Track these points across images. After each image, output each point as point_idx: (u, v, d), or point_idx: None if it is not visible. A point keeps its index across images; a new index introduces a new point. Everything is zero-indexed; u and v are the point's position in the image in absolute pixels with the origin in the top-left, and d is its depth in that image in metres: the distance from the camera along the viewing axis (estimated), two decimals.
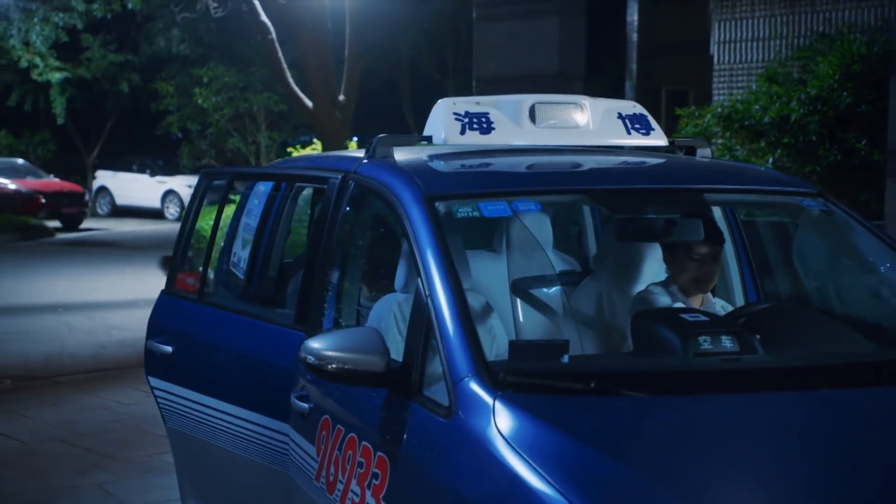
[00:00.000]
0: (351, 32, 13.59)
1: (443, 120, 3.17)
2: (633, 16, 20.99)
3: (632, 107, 3.44)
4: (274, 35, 13.40)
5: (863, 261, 3.24)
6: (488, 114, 3.22)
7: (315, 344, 2.61)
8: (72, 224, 22.67)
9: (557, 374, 2.43)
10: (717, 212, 3.71)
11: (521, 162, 3.20)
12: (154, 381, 4.00)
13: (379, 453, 2.60)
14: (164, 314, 4.03)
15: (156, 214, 25.00)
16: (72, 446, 5.97)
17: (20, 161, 24.69)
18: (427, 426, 2.45)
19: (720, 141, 11.05)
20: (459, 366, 2.39)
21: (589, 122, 3.31)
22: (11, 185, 22.45)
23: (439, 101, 3.31)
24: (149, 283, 11.30)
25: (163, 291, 4.16)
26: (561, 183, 3.06)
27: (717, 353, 2.65)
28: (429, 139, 3.21)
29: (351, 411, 2.82)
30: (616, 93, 22.63)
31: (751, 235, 3.80)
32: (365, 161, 3.21)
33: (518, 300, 3.60)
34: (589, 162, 3.26)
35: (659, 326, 2.73)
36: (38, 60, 25.16)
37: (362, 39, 21.57)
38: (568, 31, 11.24)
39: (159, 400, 3.98)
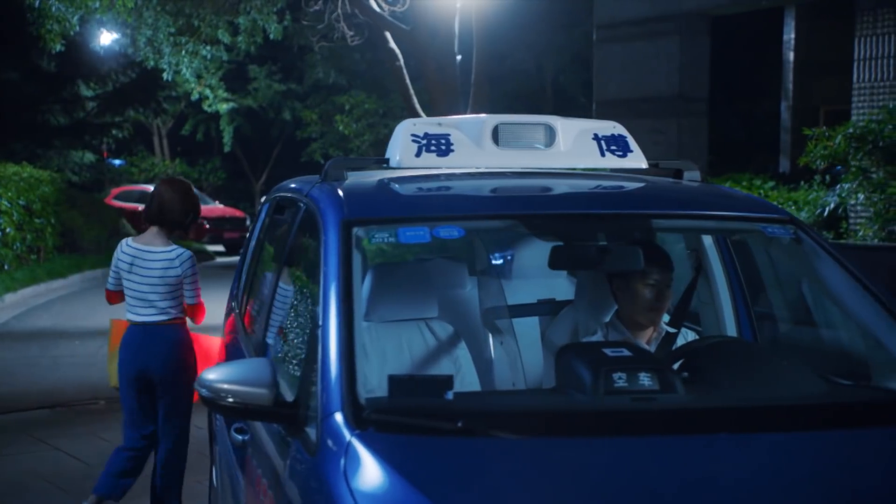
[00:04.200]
0: (477, 58, 13.63)
1: (400, 142, 3.08)
2: (789, 34, 20.24)
3: (611, 128, 3.24)
4: (402, 62, 13.61)
5: (828, 292, 2.93)
6: (449, 135, 3.09)
7: (210, 375, 2.46)
8: (233, 248, 23.74)
9: (426, 413, 2.28)
10: (707, 240, 3.46)
11: (462, 186, 3.06)
12: None
13: (270, 492, 2.53)
14: None
15: None
16: None
17: None
18: (300, 464, 2.35)
19: (854, 163, 10.38)
20: (330, 400, 2.28)
21: (559, 144, 3.14)
22: None
23: (402, 121, 3.23)
24: None
25: None
26: (488, 208, 2.90)
27: (632, 392, 2.44)
28: (387, 162, 3.13)
29: (258, 445, 2.77)
30: (761, 112, 21.69)
31: (745, 262, 3.50)
32: (317, 184, 3.17)
33: (489, 330, 3.45)
34: (538, 185, 3.08)
35: (576, 361, 2.54)
36: (208, 92, 26.65)
37: (505, 65, 21.69)
38: (689, 52, 10.86)
39: None
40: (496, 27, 18.24)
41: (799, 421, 2.39)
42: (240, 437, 2.96)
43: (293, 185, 3.58)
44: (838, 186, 11.42)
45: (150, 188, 25.51)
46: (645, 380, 2.46)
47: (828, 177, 12.11)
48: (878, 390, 2.69)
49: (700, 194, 3.08)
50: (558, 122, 3.16)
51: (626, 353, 2.58)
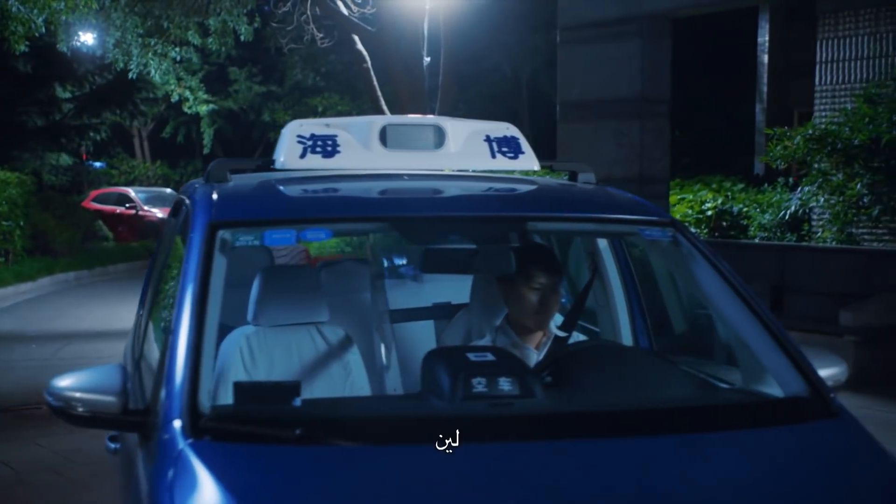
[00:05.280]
0: (445, 60, 13.61)
1: (286, 143, 3.06)
2: (763, 37, 20.29)
3: (504, 129, 3.22)
4: (369, 63, 13.59)
5: (702, 295, 2.92)
6: (335, 136, 3.07)
7: (60, 383, 2.37)
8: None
9: (268, 421, 2.25)
10: (602, 242, 3.44)
11: (340, 188, 3.04)
12: None
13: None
14: None
15: None
16: (59, 476, 5.76)
17: (168, 191, 26.05)
18: (142, 475, 2.33)
19: (815, 165, 10.40)
20: (170, 407, 2.23)
21: (449, 145, 3.12)
22: (158, 214, 23.69)
23: (289, 122, 3.20)
24: None
25: None
26: (358, 211, 2.88)
27: (491, 397, 2.43)
28: (271, 163, 3.11)
29: (124, 454, 2.74)
30: (741, 115, 21.75)
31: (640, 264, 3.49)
32: (199, 185, 3.14)
33: (383, 335, 3.42)
34: (417, 188, 3.06)
35: (437, 366, 2.52)
36: (188, 94, 26.62)
37: (480, 67, 21.66)
38: (651, 54, 10.85)
39: None
40: (469, 29, 18.22)
41: (657, 425, 2.38)
42: (112, 446, 2.93)
43: (187, 187, 3.56)
44: (799, 189, 11.44)
45: (130, 191, 25.42)
46: (505, 385, 2.44)
47: (791, 179, 12.14)
48: (743, 393, 2.68)
49: (583, 196, 3.06)
50: (448, 124, 3.14)
51: (489, 357, 2.56)
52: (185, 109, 27.37)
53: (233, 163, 3.16)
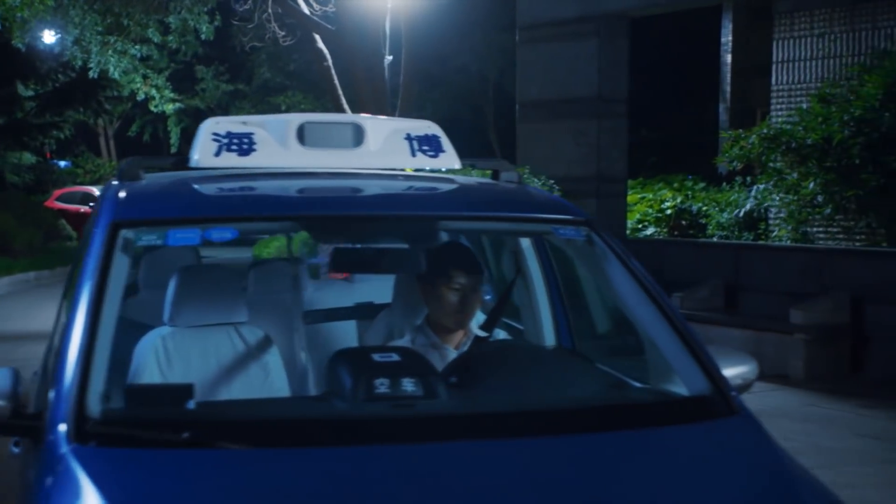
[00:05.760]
0: (406, 59, 13.59)
1: (201, 141, 3.02)
2: (726, 37, 20.42)
3: (425, 127, 3.20)
4: (330, 62, 13.55)
5: (614, 294, 2.92)
6: (252, 134, 3.03)
7: None
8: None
9: (156, 424, 2.21)
10: (524, 242, 3.44)
11: (251, 186, 3.01)
12: None
13: None
14: None
15: None
16: None
17: None
18: (28, 482, 2.28)
19: (771, 165, 10.48)
20: (57, 411, 2.19)
21: (368, 143, 3.10)
22: None
23: (206, 119, 3.17)
24: None
25: None
26: (264, 210, 2.85)
27: (393, 398, 2.41)
28: (186, 161, 3.07)
29: (20, 460, 2.70)
30: (709, 114, 21.90)
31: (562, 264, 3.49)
32: (113, 183, 3.10)
33: (303, 335, 3.40)
34: (329, 186, 3.04)
35: (341, 367, 2.51)
36: (154, 92, 26.42)
37: (447, 66, 21.66)
38: (609, 54, 10.88)
39: None
40: (434, 28, 18.20)
41: (559, 425, 2.37)
42: (15, 451, 2.89)
43: (105, 185, 3.52)
44: (754, 188, 11.52)
45: (95, 190, 25.24)
46: (408, 386, 2.42)
47: (748, 178, 12.23)
48: (652, 392, 2.68)
49: (500, 196, 3.05)
50: (368, 122, 3.12)
51: (394, 358, 2.54)
52: (152, 108, 27.18)
53: (147, 161, 3.12)
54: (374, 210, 2.86)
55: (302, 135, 3.02)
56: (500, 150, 21.20)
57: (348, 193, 2.95)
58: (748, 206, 11.53)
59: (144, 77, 25.70)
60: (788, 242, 10.44)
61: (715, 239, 11.86)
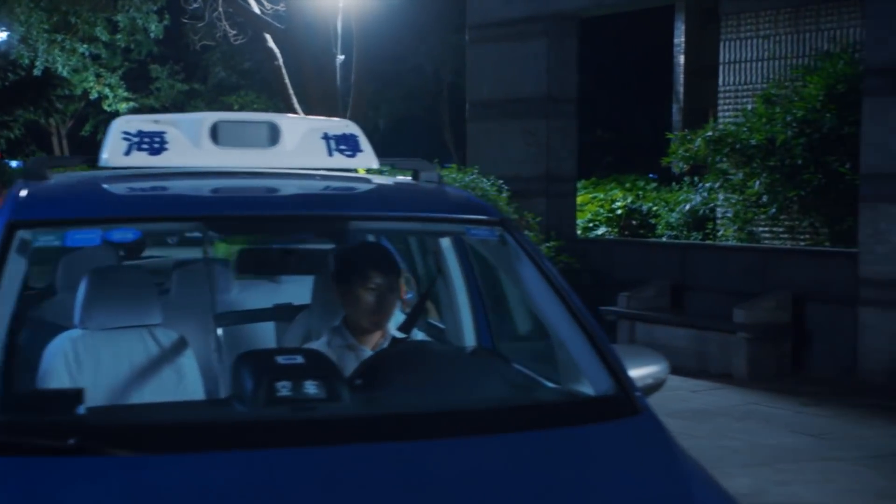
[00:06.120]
0: (358, 59, 13.53)
1: (111, 139, 2.96)
2: (679, 38, 20.59)
3: (343, 126, 3.17)
4: (281, 61, 13.45)
5: (526, 295, 2.91)
6: (164, 133, 2.98)
7: None
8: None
9: (41, 431, 2.14)
10: (444, 242, 3.42)
11: (158, 186, 2.97)
12: None
13: None
14: None
15: None
16: None
17: None
18: None
19: (719, 165, 10.58)
20: None
21: (284, 143, 3.06)
22: None
23: (117, 118, 3.12)
24: None
25: None
26: (166, 210, 2.80)
27: (295, 400, 2.38)
28: (95, 160, 3.01)
29: None
30: (665, 114, 22.06)
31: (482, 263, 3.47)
32: (18, 182, 3.04)
33: (220, 337, 3.35)
34: (238, 186, 3.00)
35: (244, 370, 2.47)
36: (107, 91, 26.07)
37: (403, 66, 21.64)
38: (557, 54, 10.91)
39: None
40: (387, 28, 18.17)
41: (462, 426, 2.36)
42: None
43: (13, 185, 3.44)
44: (700, 187, 11.62)
45: None
46: (311, 388, 2.39)
47: (696, 178, 12.33)
48: (561, 392, 2.68)
49: (414, 195, 3.03)
50: (283, 121, 3.08)
51: (298, 360, 2.51)
52: (105, 107, 26.77)
53: (55, 160, 3.07)
54: (282, 210, 2.82)
55: (215, 134, 2.98)
56: (455, 150, 21.19)
57: (257, 193, 2.90)
58: (688, 207, 11.63)
59: (97, 76, 25.37)
60: (734, 242, 10.54)
61: (664, 239, 11.94)
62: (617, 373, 2.54)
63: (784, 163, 9.48)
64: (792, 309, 8.61)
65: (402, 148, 19.70)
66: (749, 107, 10.57)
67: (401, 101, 21.33)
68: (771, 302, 8.62)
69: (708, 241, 11.22)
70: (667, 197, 13.16)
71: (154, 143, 2.96)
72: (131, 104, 27.04)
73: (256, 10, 13.55)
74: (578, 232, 12.22)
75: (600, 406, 2.49)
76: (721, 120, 11.45)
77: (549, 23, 10.89)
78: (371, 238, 3.43)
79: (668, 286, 9.73)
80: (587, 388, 2.59)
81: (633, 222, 13.03)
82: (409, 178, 3.29)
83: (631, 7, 12.02)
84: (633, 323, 9.54)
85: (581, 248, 10.66)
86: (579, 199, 13.65)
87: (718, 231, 11.34)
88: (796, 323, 8.63)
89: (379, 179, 3.19)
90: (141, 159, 2.92)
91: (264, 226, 2.92)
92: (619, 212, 13.10)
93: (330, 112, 13.41)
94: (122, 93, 26.70)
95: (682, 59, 20.07)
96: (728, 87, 11.82)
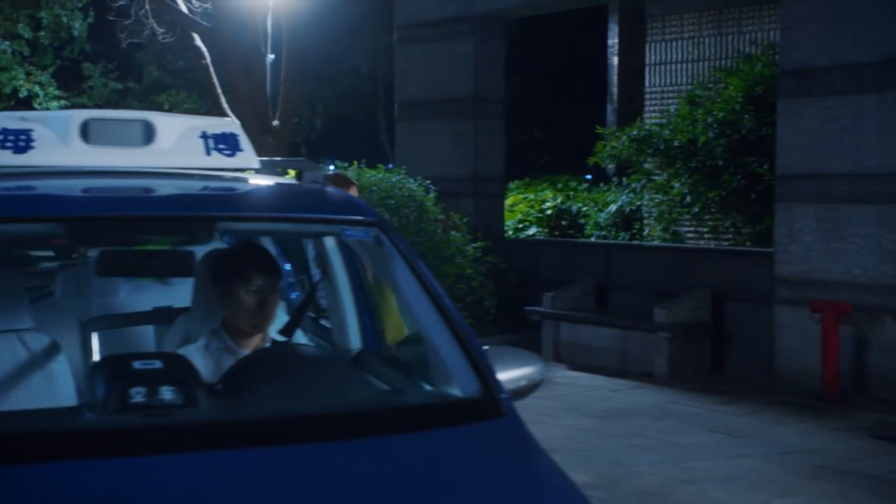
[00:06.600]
0: (287, 58, 13.41)
1: None
2: (613, 39, 20.75)
3: (224, 125, 3.10)
4: (209, 60, 13.28)
5: (400, 296, 2.88)
6: (31, 131, 2.89)
7: None
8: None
9: None
10: (329, 242, 3.38)
11: (20, 186, 2.87)
12: None
13: None
14: None
15: None
16: None
17: None
18: None
19: (644, 166, 10.67)
20: None
21: (160, 142, 2.98)
22: None
23: None
24: None
25: None
26: (22, 211, 2.71)
27: (150, 407, 2.31)
28: None
29: None
30: (596, 116, 22.25)
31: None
32: None
33: (94, 342, 3.27)
34: (105, 186, 2.91)
35: (98, 376, 2.40)
36: (38, 89, 25.55)
37: (338, 67, 21.52)
38: (484, 54, 10.91)
39: None
40: (322, 28, 18.05)
41: (324, 431, 2.31)
42: None
43: None
44: (626, 187, 11.72)
45: None
46: (167, 394, 2.32)
47: (624, 178, 12.43)
48: (431, 395, 2.65)
49: (290, 196, 2.97)
50: (159, 119, 3.00)
51: (156, 365, 2.44)
52: (36, 106, 26.26)
53: None
54: (148, 211, 2.75)
55: (86, 132, 2.90)
56: (390, 150, 21.05)
57: (124, 194, 2.82)
58: (615, 207, 11.72)
59: (28, 74, 24.86)
60: (659, 242, 10.64)
61: (592, 239, 12.02)
62: (484, 375, 2.51)
63: (705, 163, 9.59)
64: (712, 308, 8.70)
65: (338, 148, 19.58)
66: (673, 108, 10.68)
67: (337, 102, 21.19)
68: (691, 302, 8.71)
69: (633, 242, 11.31)
70: (596, 197, 13.25)
71: (20, 140, 2.87)
72: (62, 102, 26.56)
73: (184, 8, 13.37)
74: (509, 232, 12.25)
75: (465, 408, 2.46)
76: (647, 121, 11.55)
77: (475, 23, 10.89)
78: (251, 239, 3.37)
79: (593, 286, 9.79)
80: (457, 391, 2.56)
81: (563, 222, 13.09)
82: (292, 179, 3.24)
83: (556, 8, 12.08)
84: (558, 323, 9.57)
85: (508, 249, 10.68)
86: (510, 200, 13.69)
87: (645, 231, 11.44)
88: (716, 322, 8.73)
89: (257, 179, 3.13)
90: (5, 158, 2.83)
91: (127, 227, 2.84)
92: (549, 212, 13.16)
93: (258, 111, 13.28)
94: (53, 91, 26.22)
95: (615, 60, 20.24)
96: (654, 89, 11.93)
